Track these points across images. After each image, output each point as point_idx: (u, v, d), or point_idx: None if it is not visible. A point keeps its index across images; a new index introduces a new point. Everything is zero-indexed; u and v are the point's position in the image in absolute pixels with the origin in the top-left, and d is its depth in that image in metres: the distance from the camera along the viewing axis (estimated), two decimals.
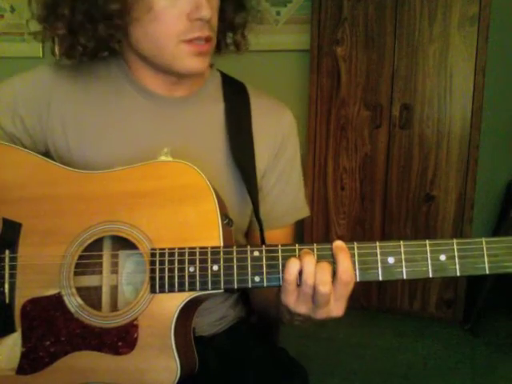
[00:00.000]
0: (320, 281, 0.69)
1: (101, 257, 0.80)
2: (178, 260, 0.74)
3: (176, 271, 0.74)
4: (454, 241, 0.70)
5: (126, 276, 0.80)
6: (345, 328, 2.38)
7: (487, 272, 0.69)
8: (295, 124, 0.98)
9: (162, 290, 0.74)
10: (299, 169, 1.00)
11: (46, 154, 0.91)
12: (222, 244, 0.74)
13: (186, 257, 0.73)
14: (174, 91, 0.91)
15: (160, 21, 0.81)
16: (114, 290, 0.80)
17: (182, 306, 0.74)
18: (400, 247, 0.71)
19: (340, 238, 2.52)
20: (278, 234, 0.93)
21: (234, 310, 1.01)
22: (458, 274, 0.70)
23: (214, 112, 0.93)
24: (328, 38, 2.39)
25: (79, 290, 0.78)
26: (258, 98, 0.96)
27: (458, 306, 2.42)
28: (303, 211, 1.01)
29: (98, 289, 0.80)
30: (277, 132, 0.95)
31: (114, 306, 0.79)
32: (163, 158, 0.78)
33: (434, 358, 2.21)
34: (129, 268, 0.80)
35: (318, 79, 2.44)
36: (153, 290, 0.74)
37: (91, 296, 0.80)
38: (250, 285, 0.73)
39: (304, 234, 2.57)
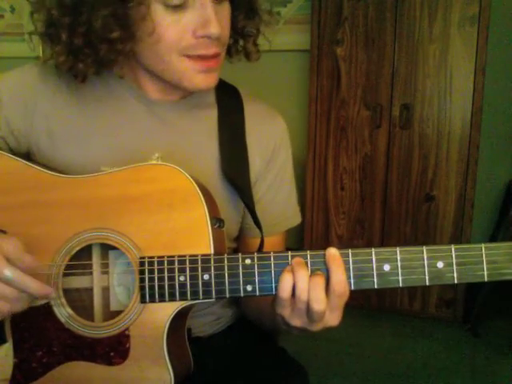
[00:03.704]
0: (313, 298, 0.67)
1: (90, 262, 0.78)
2: (168, 269, 0.72)
3: (166, 280, 0.72)
4: (452, 247, 0.68)
5: (116, 277, 0.79)
6: (345, 328, 2.37)
7: (486, 279, 0.67)
8: (287, 131, 0.97)
9: (152, 300, 0.73)
10: (291, 177, 0.98)
11: (28, 154, 0.88)
12: (212, 251, 0.72)
13: (176, 265, 0.72)
14: (168, 95, 0.88)
15: (163, 39, 0.77)
16: (106, 291, 0.79)
17: (173, 315, 0.73)
18: (396, 254, 0.69)
19: (339, 238, 2.52)
20: (268, 241, 0.90)
21: (231, 310, 1.01)
22: (456, 281, 0.68)
23: (207, 117, 0.91)
24: (328, 38, 2.39)
25: (68, 292, 0.77)
26: (251, 103, 0.94)
27: (458, 306, 2.42)
28: (294, 219, 0.99)
29: (89, 291, 0.79)
30: (269, 139, 0.93)
31: (106, 307, 0.78)
32: (153, 162, 0.77)
33: (434, 358, 2.20)
34: (119, 269, 0.79)
35: (318, 79, 2.44)
36: (143, 300, 0.73)
37: (81, 300, 0.79)
38: (242, 294, 0.71)
39: (304, 234, 2.57)
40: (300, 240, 2.57)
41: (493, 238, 2.59)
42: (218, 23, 0.76)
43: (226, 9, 0.81)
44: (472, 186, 2.31)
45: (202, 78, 0.81)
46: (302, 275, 0.68)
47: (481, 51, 2.18)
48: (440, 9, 2.21)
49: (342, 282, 0.68)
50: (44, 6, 0.78)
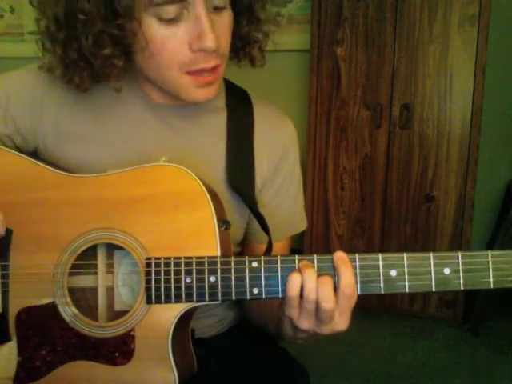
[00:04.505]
0: (322, 297, 0.68)
1: (95, 262, 0.78)
2: (174, 270, 0.72)
3: (172, 282, 0.72)
4: (459, 254, 0.68)
5: (121, 277, 0.79)
6: None
7: (491, 286, 0.68)
8: (296, 135, 0.96)
9: (158, 301, 0.73)
10: (298, 182, 0.97)
11: (35, 152, 0.88)
12: (219, 253, 0.72)
13: (183, 267, 0.72)
14: (176, 100, 0.86)
15: (161, 53, 0.75)
16: (110, 291, 0.79)
17: (179, 316, 0.73)
18: (403, 260, 0.69)
19: (339, 238, 2.52)
20: (273, 246, 0.89)
21: (233, 312, 1.01)
22: (462, 288, 0.68)
23: (216, 122, 0.90)
24: (328, 38, 2.39)
25: (73, 291, 0.77)
26: (261, 107, 0.94)
27: (458, 306, 2.42)
28: (300, 225, 0.98)
29: (94, 291, 0.79)
30: (278, 143, 0.92)
31: (110, 308, 0.78)
32: (160, 163, 0.76)
33: (434, 358, 2.20)
34: (124, 269, 0.78)
35: (318, 79, 2.44)
36: (149, 301, 0.73)
37: (86, 299, 0.79)
38: (248, 297, 0.71)
39: (304, 234, 2.57)
40: (300, 240, 2.57)
41: (493, 238, 2.60)
42: (214, 35, 0.74)
43: (225, 18, 0.79)
44: (472, 186, 2.31)
45: (200, 93, 0.80)
46: (310, 275, 0.68)
47: (481, 51, 2.18)
48: (440, 9, 2.21)
49: (351, 283, 0.68)
50: (45, 15, 0.77)
